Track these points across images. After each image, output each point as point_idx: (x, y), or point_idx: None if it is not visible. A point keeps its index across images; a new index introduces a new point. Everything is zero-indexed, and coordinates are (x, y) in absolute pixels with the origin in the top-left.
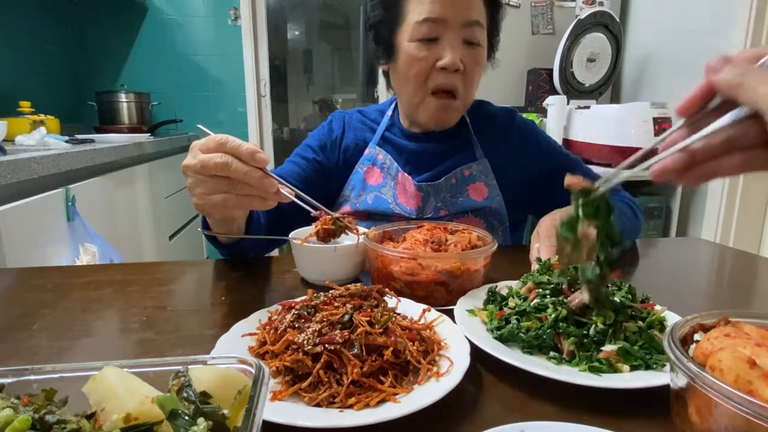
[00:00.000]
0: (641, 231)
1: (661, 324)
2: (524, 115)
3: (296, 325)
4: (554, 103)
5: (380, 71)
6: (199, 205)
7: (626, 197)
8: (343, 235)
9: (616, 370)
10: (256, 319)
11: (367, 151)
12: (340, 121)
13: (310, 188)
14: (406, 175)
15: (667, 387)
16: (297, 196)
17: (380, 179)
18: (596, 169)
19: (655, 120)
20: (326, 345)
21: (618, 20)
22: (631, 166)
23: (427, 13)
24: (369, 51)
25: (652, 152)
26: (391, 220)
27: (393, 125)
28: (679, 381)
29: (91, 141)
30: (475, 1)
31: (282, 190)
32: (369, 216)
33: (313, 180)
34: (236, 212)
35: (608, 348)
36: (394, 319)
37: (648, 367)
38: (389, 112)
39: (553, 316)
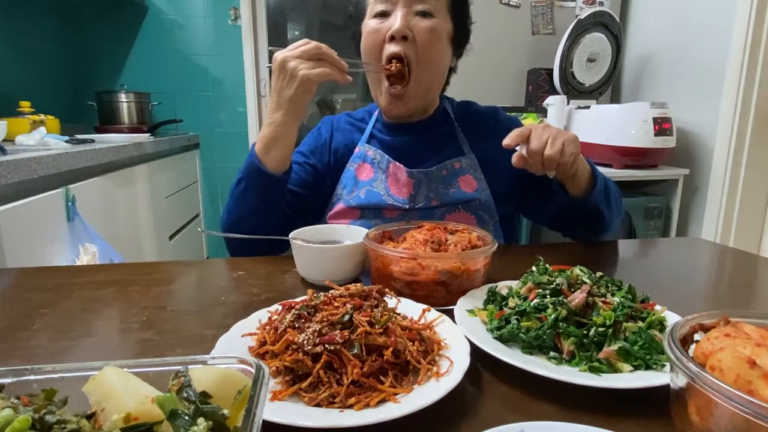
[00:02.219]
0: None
1: (661, 324)
2: (524, 115)
3: (296, 325)
4: (554, 103)
5: None
6: (307, 76)
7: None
8: (343, 236)
9: (616, 370)
10: (256, 319)
11: (357, 150)
12: (328, 125)
13: (306, 191)
14: (397, 164)
15: (667, 387)
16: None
17: (371, 174)
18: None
19: (655, 120)
20: (326, 345)
21: (618, 20)
22: None
23: None
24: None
25: None
26: (383, 212)
27: (378, 121)
28: (679, 381)
29: (91, 141)
30: None
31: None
32: (362, 211)
33: (309, 183)
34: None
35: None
36: (394, 319)
37: (648, 367)
38: (376, 112)
39: (553, 316)
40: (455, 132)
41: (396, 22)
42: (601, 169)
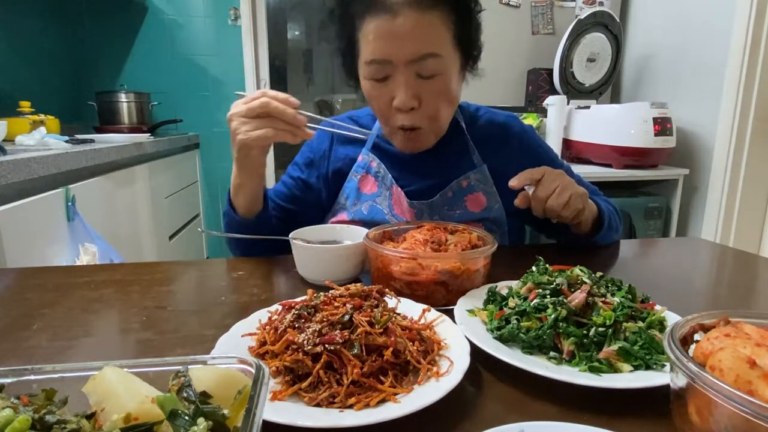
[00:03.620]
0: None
1: (661, 324)
2: (524, 115)
3: (296, 325)
4: (554, 103)
5: None
6: (243, 141)
7: (607, 200)
8: (343, 236)
9: (616, 370)
10: (256, 319)
11: (360, 158)
12: (328, 133)
13: (296, 206)
14: (399, 190)
15: (667, 387)
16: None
17: (375, 188)
18: (596, 169)
19: (655, 120)
20: (326, 345)
21: (618, 20)
22: None
23: (371, 55)
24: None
25: None
26: None
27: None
28: (679, 381)
29: (91, 141)
30: (424, 33)
31: (307, 130)
32: (365, 224)
33: (298, 198)
34: (263, 150)
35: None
36: (394, 319)
37: (648, 367)
38: None
39: (553, 316)
40: (466, 143)
41: (398, 93)
42: (601, 169)
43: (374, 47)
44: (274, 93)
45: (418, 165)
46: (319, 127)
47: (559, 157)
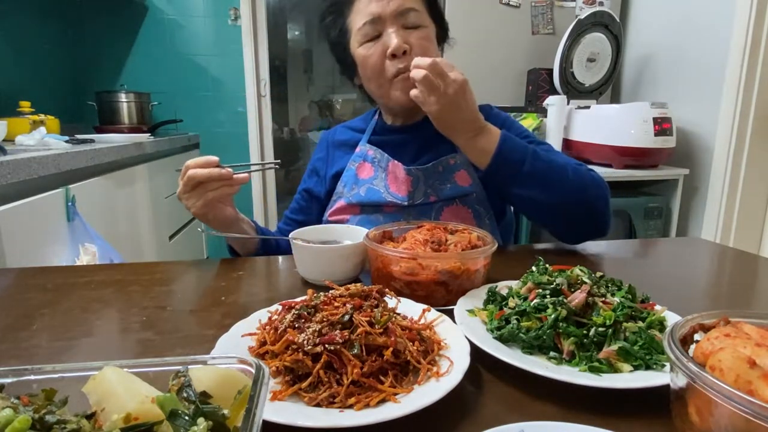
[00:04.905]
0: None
1: (661, 324)
2: (524, 115)
3: (296, 325)
4: (554, 103)
5: None
6: (195, 213)
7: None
8: (343, 236)
9: (616, 370)
10: (256, 319)
11: (357, 149)
12: (324, 145)
13: (306, 215)
14: (396, 162)
15: (667, 387)
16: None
17: (371, 172)
18: (596, 169)
19: (655, 120)
20: (326, 345)
21: (618, 20)
22: None
23: (365, 18)
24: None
25: None
26: (383, 209)
27: (378, 126)
28: (679, 381)
29: (91, 141)
30: None
31: (236, 176)
32: (362, 207)
33: (305, 208)
34: (222, 207)
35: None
36: (394, 319)
37: (648, 367)
38: (375, 117)
39: (553, 316)
40: None
41: (391, 40)
42: (601, 169)
43: (366, 10)
44: (194, 161)
45: (409, 145)
46: (240, 172)
47: (537, 138)
